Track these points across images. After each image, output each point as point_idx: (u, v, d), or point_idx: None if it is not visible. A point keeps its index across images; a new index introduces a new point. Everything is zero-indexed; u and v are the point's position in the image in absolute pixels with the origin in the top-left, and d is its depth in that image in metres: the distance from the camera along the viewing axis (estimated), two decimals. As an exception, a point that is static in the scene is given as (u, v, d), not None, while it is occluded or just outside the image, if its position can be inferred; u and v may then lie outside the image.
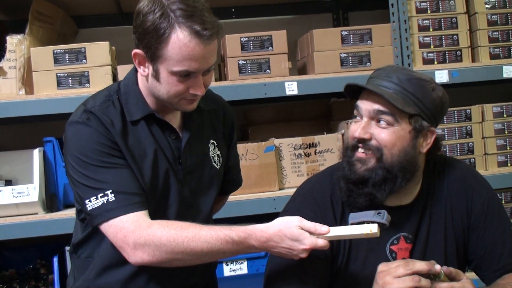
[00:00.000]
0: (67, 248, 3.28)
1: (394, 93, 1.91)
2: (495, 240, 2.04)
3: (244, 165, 3.28)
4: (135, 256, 1.85)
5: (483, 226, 2.06)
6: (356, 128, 1.95)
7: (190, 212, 2.05)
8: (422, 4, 3.56)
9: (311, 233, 1.82)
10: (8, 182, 3.41)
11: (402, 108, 1.88)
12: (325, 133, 3.52)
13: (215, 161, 2.15)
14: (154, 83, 1.93)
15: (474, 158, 3.58)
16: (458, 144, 3.58)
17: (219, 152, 2.18)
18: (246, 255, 3.34)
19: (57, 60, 3.25)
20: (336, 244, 2.00)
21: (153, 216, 1.92)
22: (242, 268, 3.34)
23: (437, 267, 1.80)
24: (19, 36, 3.32)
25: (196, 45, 1.84)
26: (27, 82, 3.31)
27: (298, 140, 3.48)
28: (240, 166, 2.45)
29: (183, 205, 2.06)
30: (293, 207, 2.07)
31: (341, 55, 3.46)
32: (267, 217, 3.32)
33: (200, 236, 1.83)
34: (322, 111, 4.00)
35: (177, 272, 2.03)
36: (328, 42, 3.47)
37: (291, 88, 3.36)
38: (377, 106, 1.92)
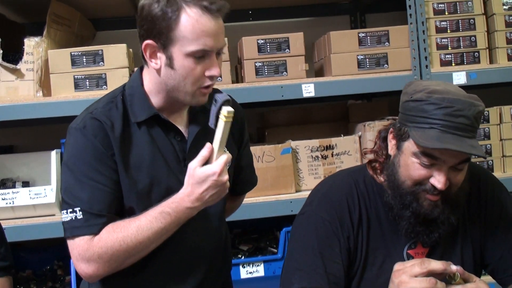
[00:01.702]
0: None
1: (476, 141, 1.85)
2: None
3: (260, 167, 3.29)
4: (89, 271, 1.90)
5: (500, 230, 2.04)
6: (425, 174, 1.87)
7: (198, 214, 2.02)
8: (439, 5, 3.54)
9: (209, 162, 1.90)
10: (26, 184, 3.43)
11: (484, 155, 1.83)
12: (342, 135, 3.51)
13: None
14: (168, 72, 1.92)
15: (492, 160, 3.56)
16: (476, 147, 3.54)
17: (230, 154, 2.16)
18: (263, 258, 3.35)
19: (74, 62, 3.26)
20: (353, 249, 1.99)
21: None
22: (258, 271, 3.33)
23: (453, 267, 1.78)
24: (36, 39, 3.33)
25: (208, 20, 1.86)
26: (44, 84, 3.33)
27: (315, 142, 3.47)
28: (254, 166, 2.44)
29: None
30: (310, 210, 2.06)
31: (358, 57, 3.45)
32: (284, 220, 3.37)
33: (142, 226, 1.88)
34: (339, 114, 3.98)
35: (191, 278, 2.06)
36: (345, 44, 3.46)
37: (308, 90, 3.35)
38: (461, 159, 1.85)
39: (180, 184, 1.95)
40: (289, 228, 3.14)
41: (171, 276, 2.05)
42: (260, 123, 4.08)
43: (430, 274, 1.78)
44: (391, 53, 3.47)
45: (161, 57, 1.91)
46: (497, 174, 3.52)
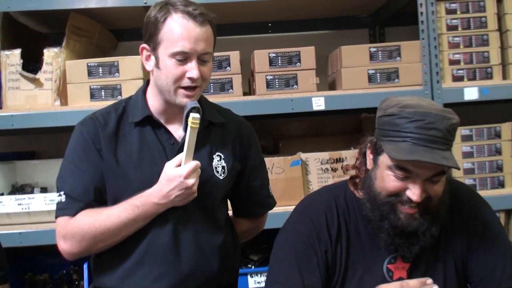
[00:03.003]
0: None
1: (450, 152, 1.89)
2: (495, 263, 2.04)
3: (270, 178, 3.33)
4: (65, 248, 2.14)
5: (482, 249, 2.05)
6: (400, 186, 1.90)
7: (192, 217, 2.18)
8: (453, 21, 3.55)
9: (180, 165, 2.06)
10: (44, 190, 3.53)
11: (457, 166, 1.86)
12: (352, 148, 3.54)
13: (217, 171, 2.22)
14: (157, 73, 2.13)
15: (503, 176, 3.55)
16: (487, 162, 3.55)
17: (225, 164, 2.24)
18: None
19: (90, 73, 3.36)
20: (332, 263, 2.03)
21: (155, 219, 2.12)
22: (262, 282, 3.38)
23: (429, 281, 1.81)
24: (56, 49, 3.44)
25: (189, 25, 2.06)
26: (62, 94, 3.43)
27: (325, 155, 3.52)
28: (269, 189, 2.49)
29: (181, 210, 2.15)
30: (289, 225, 2.12)
31: (369, 72, 3.48)
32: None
33: (112, 214, 2.08)
34: (352, 126, 4.01)
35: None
36: (356, 58, 3.50)
37: (318, 103, 3.40)
38: (436, 171, 1.88)
39: None
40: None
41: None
42: (274, 134, 4.13)
43: None
44: (402, 68, 3.50)
45: (152, 59, 2.13)
46: (509, 190, 3.52)
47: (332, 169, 3.49)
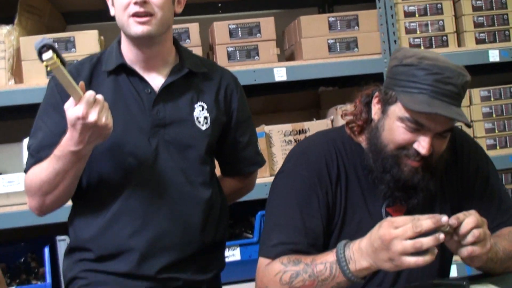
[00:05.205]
0: (59, 238, 3.27)
1: (461, 109, 1.86)
2: (490, 203, 2.05)
3: (234, 151, 3.30)
4: (29, 204, 2.11)
5: (477, 191, 2.06)
6: (409, 139, 1.86)
7: (174, 168, 2.10)
8: (407, -10, 3.61)
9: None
10: (-2, 175, 3.40)
11: (469, 123, 1.85)
12: (314, 119, 3.54)
13: (199, 122, 2.14)
14: (115, 12, 2.07)
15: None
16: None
17: (207, 114, 2.17)
18: (239, 241, 3.38)
19: (46, 49, 3.25)
20: (332, 205, 1.99)
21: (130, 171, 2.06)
22: (235, 255, 3.35)
23: (444, 219, 1.69)
24: (8, 27, 3.33)
25: None
26: (16, 73, 3.32)
27: (288, 127, 3.50)
28: (257, 147, 2.43)
29: (154, 160, 2.08)
30: (288, 168, 2.07)
31: (329, 41, 3.49)
32: (258, 204, 3.36)
33: (43, 166, 1.99)
34: (310, 101, 4.02)
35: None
36: (316, 29, 3.50)
37: (280, 74, 3.38)
38: (447, 126, 1.85)
39: (140, 131, 2.07)
40: (263, 211, 3.15)
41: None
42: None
43: None
44: (360, 37, 3.52)
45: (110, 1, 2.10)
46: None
47: (295, 141, 3.47)
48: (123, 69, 2.10)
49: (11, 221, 3.16)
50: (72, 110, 1.83)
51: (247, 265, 3.27)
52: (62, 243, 3.23)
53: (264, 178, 3.37)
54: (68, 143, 1.90)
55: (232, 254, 3.32)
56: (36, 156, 2.05)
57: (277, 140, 3.47)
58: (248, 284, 3.19)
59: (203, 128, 2.15)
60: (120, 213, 2.06)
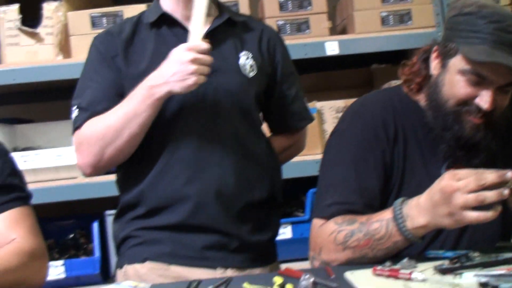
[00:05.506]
0: (107, 212, 3.25)
1: None
2: None
3: (285, 127, 3.23)
4: (79, 162, 2.04)
5: None
6: (471, 93, 1.77)
7: (227, 118, 2.06)
8: (463, -38, 3.48)
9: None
10: (48, 151, 3.40)
11: None
12: (367, 94, 3.45)
13: (245, 69, 2.10)
14: None
15: None
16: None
17: (253, 63, 2.12)
18: (290, 219, 3.33)
19: (94, 24, 3.25)
20: (389, 164, 1.90)
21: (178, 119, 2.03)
22: (286, 233, 3.28)
23: (509, 174, 1.61)
24: (55, 3, 3.34)
25: None
26: (64, 49, 3.32)
27: (340, 103, 3.40)
28: (305, 103, 2.40)
29: (202, 108, 2.04)
30: (342, 127, 1.99)
31: (382, 14, 3.39)
32: (310, 180, 3.28)
33: (111, 112, 1.97)
34: (363, 79, 3.91)
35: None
36: (368, 1, 3.41)
37: (332, 48, 3.29)
38: (510, 79, 1.76)
39: None
40: (315, 189, 3.08)
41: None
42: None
43: None
44: (414, 10, 3.41)
45: None
46: None
47: (347, 117, 3.38)
48: (165, 21, 2.10)
49: (60, 194, 3.15)
50: (195, 45, 1.89)
51: (298, 243, 3.21)
52: (111, 218, 3.20)
53: (315, 155, 3.28)
54: (150, 78, 1.92)
55: (283, 232, 3.25)
56: (91, 109, 2.01)
57: (329, 116, 3.38)
58: (300, 263, 3.12)
59: (250, 75, 2.12)
60: (171, 163, 2.02)
